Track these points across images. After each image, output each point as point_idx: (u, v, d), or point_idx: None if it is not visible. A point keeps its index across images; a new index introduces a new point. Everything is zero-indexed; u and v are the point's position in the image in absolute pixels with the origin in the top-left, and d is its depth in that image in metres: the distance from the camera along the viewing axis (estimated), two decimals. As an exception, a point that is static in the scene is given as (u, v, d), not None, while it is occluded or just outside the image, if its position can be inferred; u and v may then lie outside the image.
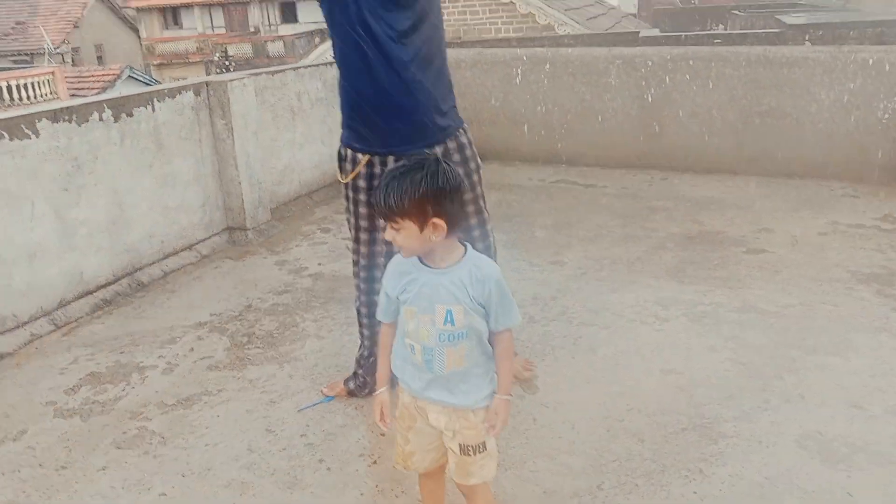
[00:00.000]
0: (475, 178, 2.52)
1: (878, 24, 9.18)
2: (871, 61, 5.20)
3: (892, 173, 5.24)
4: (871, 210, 4.72)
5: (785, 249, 4.09)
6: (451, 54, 6.86)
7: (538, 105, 6.27)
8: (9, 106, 18.08)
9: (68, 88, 20.29)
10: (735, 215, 4.73)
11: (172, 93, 4.16)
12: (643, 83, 5.86)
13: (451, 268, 1.68)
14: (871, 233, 4.32)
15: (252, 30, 33.26)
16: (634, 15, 26.31)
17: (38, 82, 19.18)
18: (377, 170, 2.41)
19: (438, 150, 2.37)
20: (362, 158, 2.42)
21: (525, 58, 6.30)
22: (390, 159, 2.36)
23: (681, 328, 3.20)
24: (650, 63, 5.82)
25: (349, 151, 2.47)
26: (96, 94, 20.73)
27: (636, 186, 5.53)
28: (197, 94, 4.33)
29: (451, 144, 2.44)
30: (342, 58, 2.36)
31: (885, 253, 3.97)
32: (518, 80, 6.32)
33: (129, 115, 3.88)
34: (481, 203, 2.54)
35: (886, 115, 5.21)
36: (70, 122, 3.55)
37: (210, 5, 33.52)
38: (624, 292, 3.59)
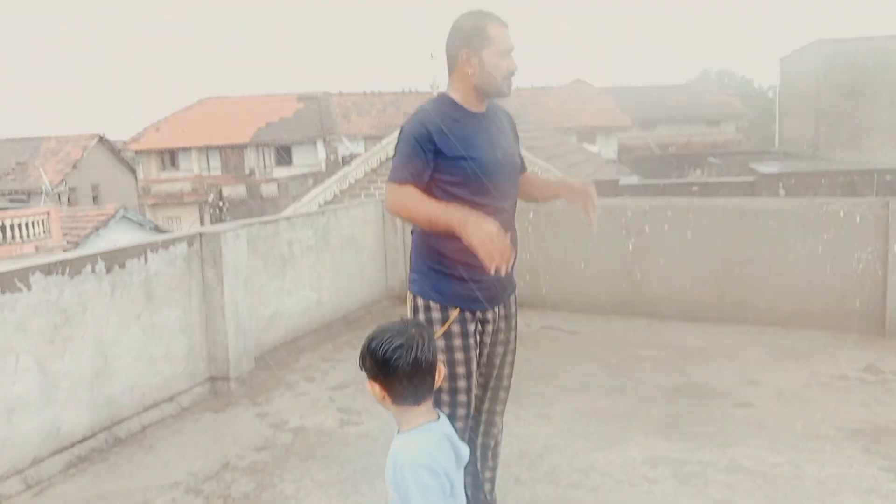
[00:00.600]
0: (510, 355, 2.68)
1: (847, 174, 9.62)
2: (842, 213, 5.42)
3: (870, 322, 5.32)
4: (853, 360, 4.75)
5: (771, 403, 4.08)
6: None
7: (524, 251, 6.39)
8: (1, 245, 18.31)
9: (62, 228, 20.62)
10: (720, 365, 4.75)
11: (166, 244, 4.26)
12: (623, 232, 6.06)
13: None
14: (854, 385, 4.33)
15: (247, 172, 34.39)
16: (615, 161, 27.44)
17: (33, 222, 19.51)
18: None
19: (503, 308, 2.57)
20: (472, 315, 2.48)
21: (510, 207, 6.53)
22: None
23: (669, 490, 3.14)
24: (629, 213, 6.04)
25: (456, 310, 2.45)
26: (89, 234, 21.10)
27: (621, 334, 5.58)
28: (190, 244, 4.43)
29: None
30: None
31: (870, 407, 3.97)
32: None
33: (122, 266, 3.95)
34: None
35: (861, 265, 5.36)
36: (63, 274, 3.61)
37: (208, 149, 34.81)
38: (612, 450, 3.53)
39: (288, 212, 15.88)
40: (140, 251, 4.09)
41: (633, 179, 13.93)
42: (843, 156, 13.29)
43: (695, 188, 9.39)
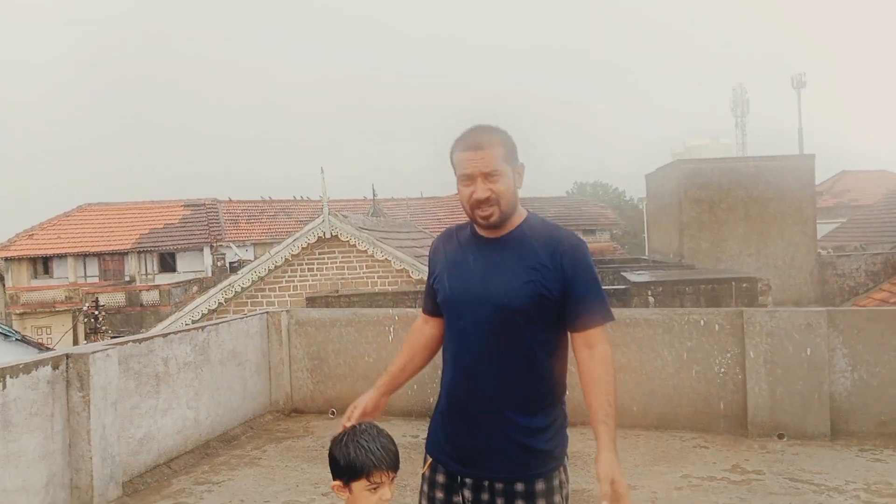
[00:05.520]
0: None
1: (709, 282, 10.35)
2: (702, 322, 5.84)
3: (734, 423, 5.66)
4: (720, 461, 5.02)
5: (645, 508, 4.21)
6: (327, 314, 7.11)
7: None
8: None
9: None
10: (598, 471, 4.87)
11: (28, 368, 4.03)
12: (506, 342, 6.23)
13: None
14: (722, 486, 4.56)
15: (127, 279, 32.99)
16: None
17: None
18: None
19: None
20: None
21: (397, 317, 6.62)
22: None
23: None
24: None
25: None
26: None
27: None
28: (55, 367, 4.21)
29: None
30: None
31: (736, 507, 4.18)
32: (391, 338, 6.56)
33: (-25, 392, 3.70)
34: None
35: (722, 370, 5.74)
36: None
37: (85, 255, 33.30)
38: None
39: (168, 322, 15.28)
40: (-2, 375, 3.85)
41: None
42: (705, 264, 14.36)
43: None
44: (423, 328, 2.45)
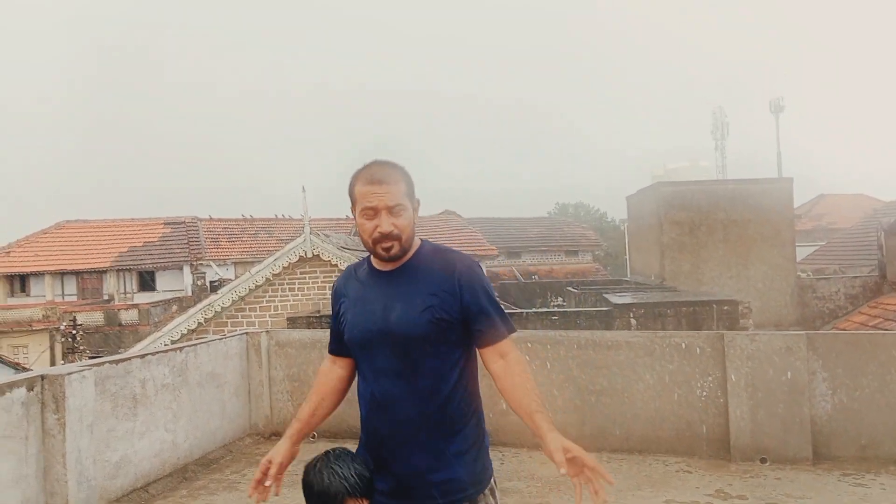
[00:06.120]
0: None
1: (690, 304, 10.43)
2: (683, 345, 5.85)
3: (717, 447, 5.66)
4: (704, 485, 5.01)
5: (628, 533, 4.19)
6: (308, 334, 7.04)
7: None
8: None
9: None
10: (583, 494, 4.84)
11: (2, 389, 3.95)
12: (489, 364, 6.21)
13: None
14: (704, 510, 4.54)
15: (106, 297, 32.60)
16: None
17: None
18: None
19: None
20: None
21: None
22: None
23: None
24: (494, 346, 6.22)
25: None
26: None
27: (488, 466, 5.59)
28: (30, 389, 4.13)
29: None
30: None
31: (719, 532, 4.16)
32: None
33: (-53, 415, 3.61)
34: None
35: (704, 393, 5.75)
36: None
37: (63, 274, 32.88)
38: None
39: (147, 342, 15.09)
40: (-29, 397, 3.77)
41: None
42: (686, 285, 14.47)
43: (555, 317, 9.84)
44: (331, 370, 2.45)
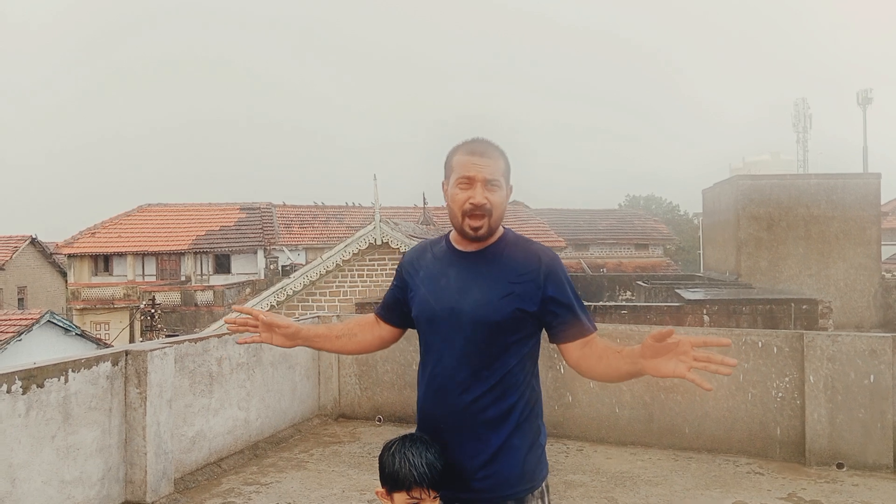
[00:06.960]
0: None
1: (767, 302, 10.10)
2: (760, 344, 5.67)
3: (791, 450, 5.47)
4: (776, 489, 4.86)
5: (696, 533, 4.10)
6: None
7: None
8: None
9: (-18, 332, 19.64)
10: (649, 493, 4.78)
11: (89, 363, 4.15)
12: (555, 355, 6.17)
13: None
14: (777, 514, 4.41)
15: (183, 279, 33.82)
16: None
17: (-50, 326, 18.58)
18: None
19: None
20: None
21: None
22: None
23: None
24: (561, 337, 6.17)
25: None
26: (10, 338, 20.14)
27: (552, 457, 5.56)
28: (115, 363, 4.33)
29: None
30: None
31: (792, 538, 4.03)
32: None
33: (40, 385, 3.82)
34: None
35: (780, 394, 5.57)
36: (-26, 393, 3.47)
37: (144, 254, 34.26)
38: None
39: (221, 322, 15.59)
40: (61, 370, 3.97)
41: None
42: (762, 283, 13.99)
43: (624, 311, 9.68)
44: (374, 325, 2.41)
